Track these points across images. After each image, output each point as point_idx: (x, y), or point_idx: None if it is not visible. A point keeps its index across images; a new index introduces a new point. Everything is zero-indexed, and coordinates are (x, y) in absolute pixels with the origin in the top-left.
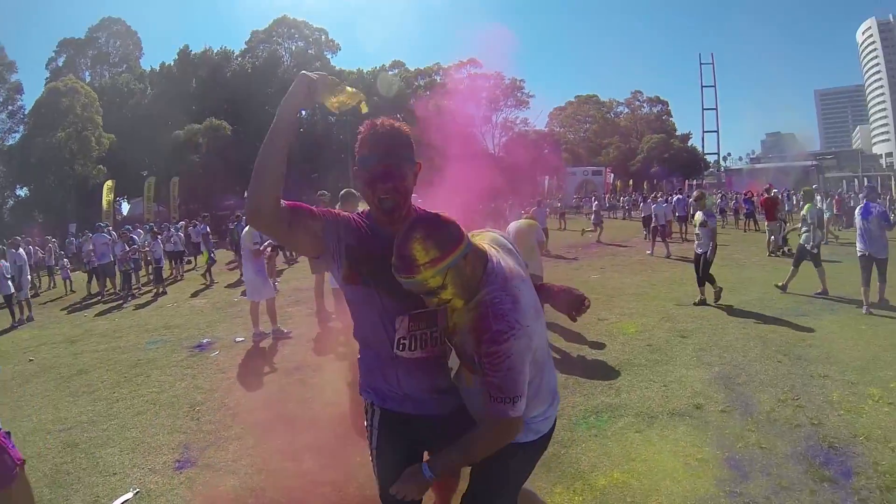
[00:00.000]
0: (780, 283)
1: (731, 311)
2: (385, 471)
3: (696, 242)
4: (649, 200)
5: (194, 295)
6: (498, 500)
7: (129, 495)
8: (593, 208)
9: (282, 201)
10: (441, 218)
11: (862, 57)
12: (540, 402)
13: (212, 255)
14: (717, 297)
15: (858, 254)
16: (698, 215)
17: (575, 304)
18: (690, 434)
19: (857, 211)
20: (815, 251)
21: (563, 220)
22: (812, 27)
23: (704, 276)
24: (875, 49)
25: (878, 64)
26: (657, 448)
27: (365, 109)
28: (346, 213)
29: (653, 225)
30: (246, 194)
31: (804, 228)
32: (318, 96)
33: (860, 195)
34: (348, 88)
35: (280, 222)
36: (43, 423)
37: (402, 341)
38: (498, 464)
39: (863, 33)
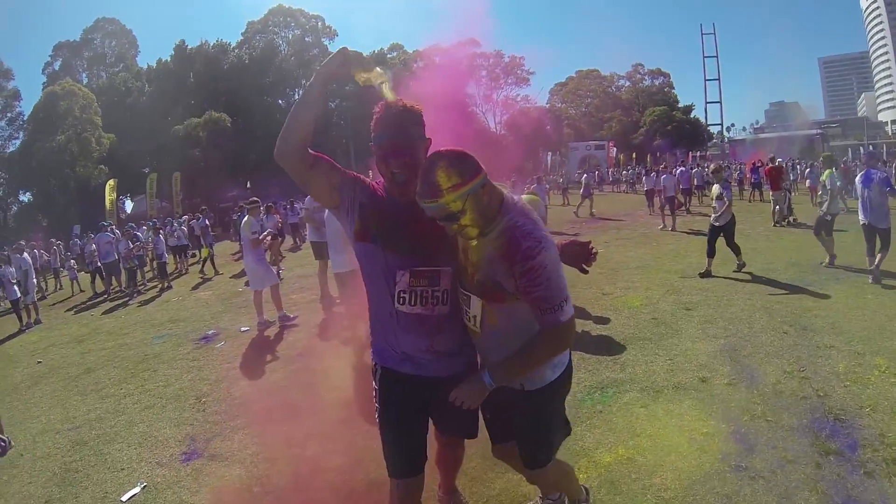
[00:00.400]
0: (825, 262)
1: (736, 282)
2: (386, 429)
3: (714, 215)
4: (653, 174)
5: (195, 288)
6: (553, 442)
7: (137, 490)
8: (583, 181)
9: (308, 149)
10: (462, 151)
11: (867, 23)
12: None
13: (210, 248)
14: (739, 269)
15: (861, 223)
16: (715, 188)
17: (583, 254)
18: (696, 408)
19: (857, 178)
20: (829, 219)
21: (566, 195)
22: None
23: (731, 248)
24: (880, 15)
25: (882, 30)
26: (662, 423)
27: (387, 94)
28: (364, 177)
29: (665, 196)
30: (278, 141)
31: (825, 197)
32: (350, 69)
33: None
34: (377, 69)
35: (302, 163)
36: (52, 423)
37: (401, 295)
38: (540, 412)
39: None
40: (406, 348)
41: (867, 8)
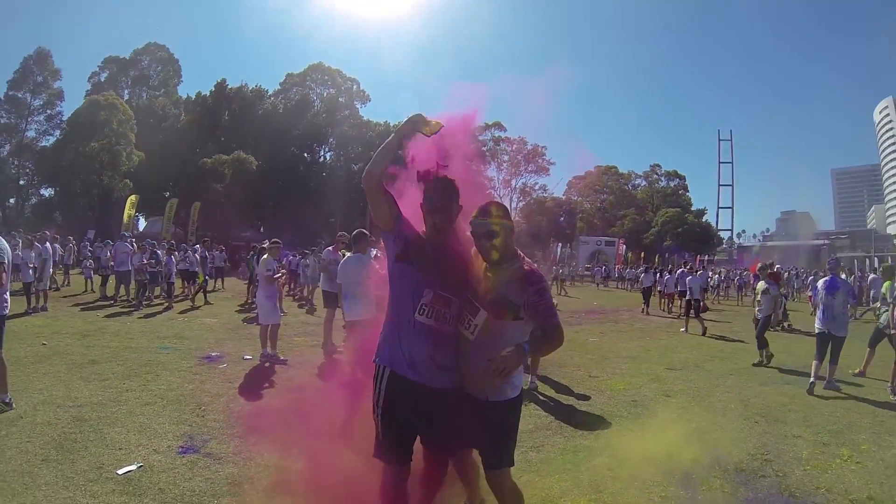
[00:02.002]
0: (856, 371)
1: (719, 377)
2: (386, 422)
3: (757, 308)
4: (651, 272)
5: (183, 312)
6: (512, 443)
7: (133, 467)
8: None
9: (384, 182)
10: (504, 205)
11: (878, 136)
12: None
13: (206, 277)
14: (768, 361)
15: (816, 331)
16: (760, 284)
17: None
18: (659, 476)
19: (820, 284)
20: (891, 332)
21: (562, 286)
22: (829, 107)
23: (759, 337)
24: (891, 128)
25: (894, 143)
26: (625, 484)
27: (440, 126)
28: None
29: (687, 298)
30: (367, 167)
31: (884, 308)
32: (419, 128)
33: (826, 269)
34: (433, 122)
35: (379, 189)
36: (54, 398)
37: (423, 307)
38: (500, 420)
39: (879, 112)
40: (414, 352)
41: (879, 122)
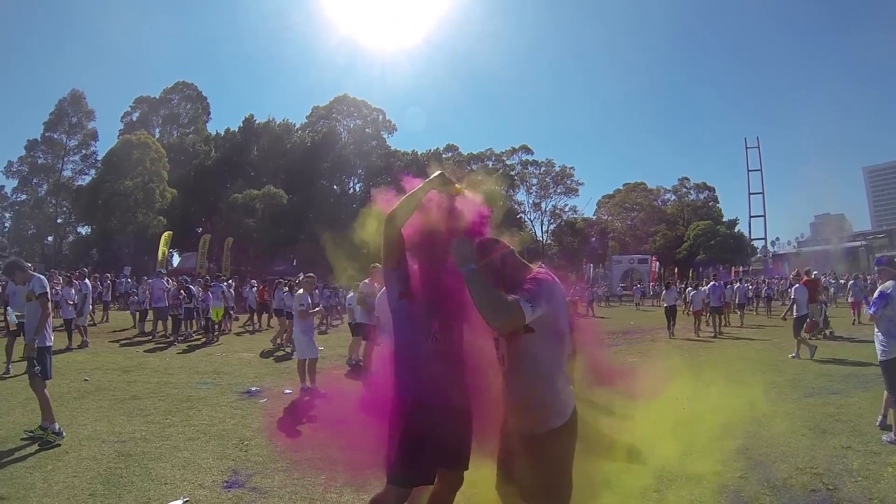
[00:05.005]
0: None
1: (762, 390)
2: (405, 442)
3: None
4: (717, 284)
5: (201, 346)
6: (551, 492)
7: (179, 502)
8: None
9: (402, 228)
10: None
11: None
12: (563, 378)
13: (227, 311)
14: None
15: (887, 357)
16: (889, 283)
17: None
18: (706, 495)
19: (891, 289)
20: None
21: (590, 307)
22: (856, 105)
23: None
24: None
25: None
26: None
27: (460, 190)
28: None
29: (796, 316)
30: (391, 212)
31: None
32: (443, 187)
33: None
34: (457, 186)
35: (397, 234)
36: (98, 433)
37: (434, 335)
38: (543, 456)
39: None
40: (427, 373)
41: None
